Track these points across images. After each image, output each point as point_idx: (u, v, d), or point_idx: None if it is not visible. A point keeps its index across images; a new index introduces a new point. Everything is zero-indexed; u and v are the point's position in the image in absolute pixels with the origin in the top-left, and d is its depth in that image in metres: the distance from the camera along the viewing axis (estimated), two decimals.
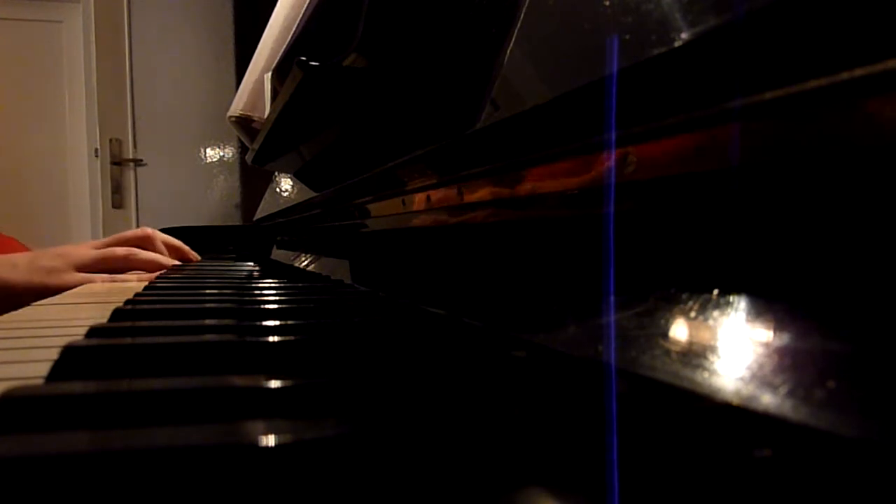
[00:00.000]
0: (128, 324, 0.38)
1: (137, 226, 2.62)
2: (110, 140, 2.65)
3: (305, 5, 0.66)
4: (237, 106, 0.92)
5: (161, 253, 0.92)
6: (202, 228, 1.51)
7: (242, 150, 2.53)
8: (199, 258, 1.07)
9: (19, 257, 0.78)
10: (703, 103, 0.19)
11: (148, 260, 0.86)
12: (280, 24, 0.85)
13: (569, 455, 0.18)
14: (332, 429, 0.17)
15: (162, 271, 0.86)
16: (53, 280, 0.75)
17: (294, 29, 0.66)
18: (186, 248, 1.02)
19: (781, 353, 0.16)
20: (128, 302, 0.45)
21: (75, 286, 0.74)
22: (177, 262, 0.93)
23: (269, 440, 0.16)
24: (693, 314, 0.20)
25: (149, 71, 2.67)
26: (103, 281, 0.78)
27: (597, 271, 0.24)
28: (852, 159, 0.15)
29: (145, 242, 0.89)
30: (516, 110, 0.30)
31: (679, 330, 0.20)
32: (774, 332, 0.17)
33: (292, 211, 1.05)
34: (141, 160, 2.68)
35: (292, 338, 0.30)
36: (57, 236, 2.71)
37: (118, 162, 2.66)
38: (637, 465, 0.17)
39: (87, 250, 0.81)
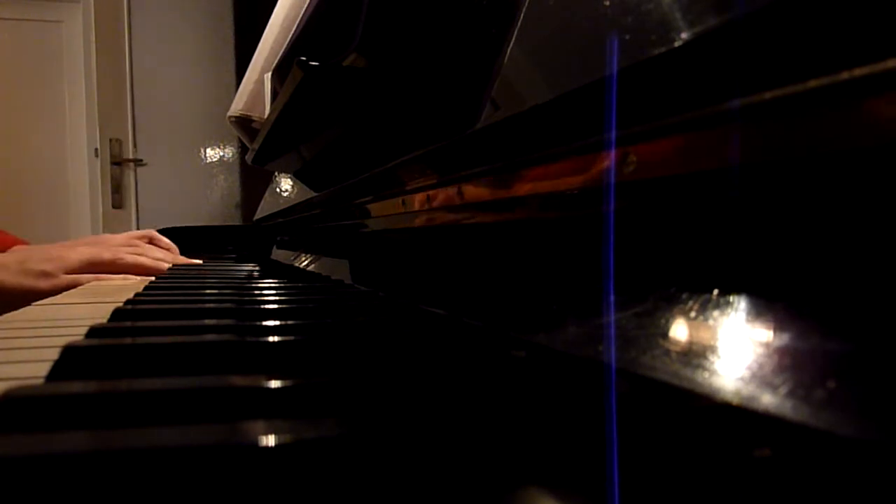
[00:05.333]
0: (128, 324, 0.38)
1: (137, 226, 2.63)
2: (110, 140, 2.64)
3: (305, 5, 0.66)
4: (237, 106, 0.91)
5: (149, 255, 0.93)
6: (202, 228, 1.51)
7: (242, 150, 2.53)
8: (184, 261, 1.06)
9: (8, 258, 0.79)
10: (702, 103, 0.19)
11: (132, 264, 0.88)
12: (280, 24, 0.85)
13: (569, 455, 0.18)
14: (332, 429, 0.17)
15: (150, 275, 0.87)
16: (42, 283, 0.77)
17: (294, 29, 0.66)
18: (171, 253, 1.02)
19: (781, 353, 0.16)
20: (128, 302, 0.45)
21: (64, 289, 0.77)
22: (161, 267, 0.92)
23: (269, 440, 0.16)
24: (693, 314, 0.20)
25: (149, 71, 2.67)
26: (89, 281, 0.80)
27: (597, 271, 0.24)
28: (852, 159, 0.15)
29: (131, 245, 0.92)
30: (516, 110, 0.30)
31: (679, 330, 0.20)
32: (774, 332, 0.17)
33: (292, 211, 1.05)
34: (141, 160, 2.68)
35: (292, 338, 0.30)
36: (57, 236, 2.70)
37: (118, 162, 2.65)
38: (637, 464, 0.17)
39: (75, 254, 0.83)
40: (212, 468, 0.15)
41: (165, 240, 1.06)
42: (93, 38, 2.61)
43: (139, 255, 0.90)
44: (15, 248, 0.91)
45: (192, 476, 0.15)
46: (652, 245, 0.24)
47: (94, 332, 0.33)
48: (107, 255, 0.86)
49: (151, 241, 1.01)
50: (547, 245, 0.32)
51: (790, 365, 0.15)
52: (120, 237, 0.97)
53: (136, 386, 0.22)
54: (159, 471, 0.15)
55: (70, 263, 0.81)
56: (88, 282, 0.80)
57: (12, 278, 0.76)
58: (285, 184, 1.18)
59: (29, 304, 0.77)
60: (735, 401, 0.16)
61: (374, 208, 0.61)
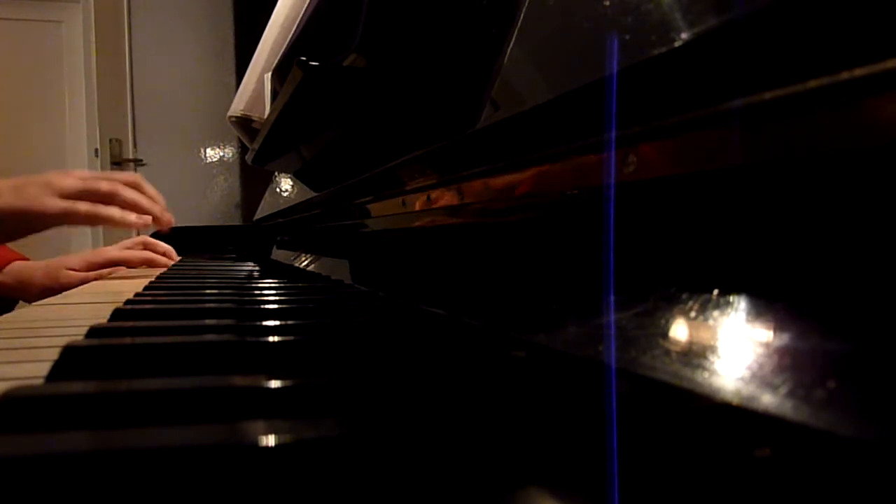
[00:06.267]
0: (128, 324, 0.38)
1: None
2: (110, 140, 2.64)
3: (305, 5, 0.66)
4: (237, 106, 0.92)
5: (149, 198, 0.90)
6: (202, 228, 1.51)
7: (242, 150, 2.53)
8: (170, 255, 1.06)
9: (3, 185, 0.79)
10: (703, 103, 0.19)
11: (130, 200, 0.85)
12: (280, 24, 0.85)
13: (569, 455, 0.18)
14: (332, 429, 0.17)
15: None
16: (36, 205, 0.77)
17: (294, 29, 0.66)
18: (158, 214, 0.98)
19: (781, 353, 0.16)
20: (128, 302, 0.45)
21: (58, 212, 0.77)
22: (156, 210, 0.89)
23: (269, 440, 0.16)
24: (693, 314, 0.20)
25: (149, 71, 2.67)
26: (86, 210, 0.78)
27: (597, 271, 0.24)
28: (852, 159, 0.15)
29: (133, 185, 0.89)
30: (516, 110, 0.30)
31: (679, 330, 0.20)
32: (774, 332, 0.17)
33: (292, 211, 1.05)
34: (141, 160, 2.68)
35: (292, 338, 0.30)
36: (57, 236, 2.71)
37: (118, 162, 2.66)
38: (637, 464, 0.17)
39: (72, 179, 0.82)
40: (212, 468, 0.15)
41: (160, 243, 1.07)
42: (93, 38, 2.61)
43: (137, 196, 0.87)
44: (15, 263, 0.93)
45: (193, 476, 0.15)
46: (652, 245, 0.24)
47: (93, 332, 0.33)
48: (104, 185, 0.83)
49: (146, 246, 1.02)
50: (547, 245, 0.32)
51: (790, 365, 0.15)
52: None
53: (136, 386, 0.22)
54: (159, 471, 0.15)
55: (64, 188, 0.80)
56: (86, 210, 0.78)
57: (6, 201, 0.76)
58: (285, 184, 1.18)
59: (24, 227, 0.78)
60: (735, 401, 0.16)
61: (374, 208, 0.61)
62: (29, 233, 0.81)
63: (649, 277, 0.22)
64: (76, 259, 0.94)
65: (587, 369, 0.22)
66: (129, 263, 1.00)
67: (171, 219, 0.97)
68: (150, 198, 0.91)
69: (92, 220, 0.80)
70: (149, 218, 0.85)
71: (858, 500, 0.13)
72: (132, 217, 0.82)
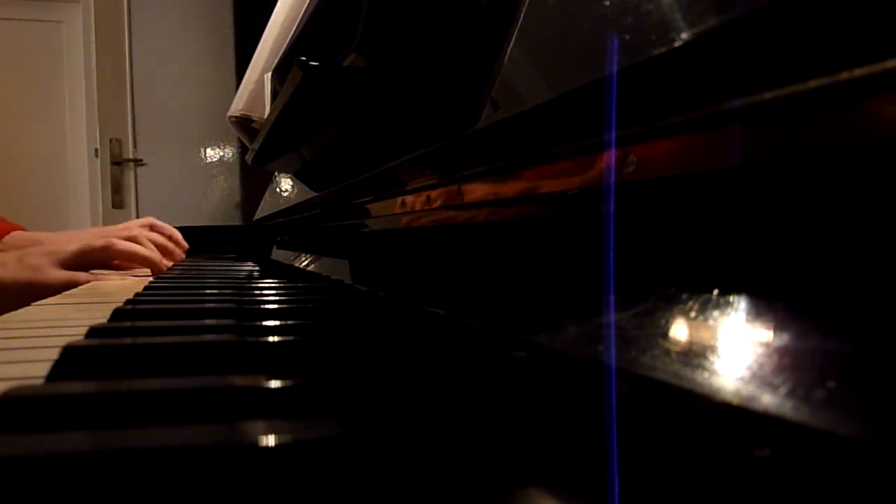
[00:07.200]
0: (128, 324, 0.38)
1: None
2: (110, 140, 2.64)
3: (305, 5, 0.66)
4: (237, 106, 0.91)
5: (145, 243, 0.91)
6: (202, 228, 1.51)
7: (242, 150, 2.53)
8: (181, 256, 1.06)
9: (8, 256, 0.81)
10: (703, 103, 0.19)
11: (125, 250, 0.86)
12: (280, 24, 0.85)
13: (569, 455, 0.18)
14: (332, 429, 0.17)
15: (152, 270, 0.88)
16: (39, 277, 0.78)
17: (294, 29, 0.66)
18: (172, 244, 1.01)
19: (781, 353, 0.16)
20: (128, 302, 0.45)
21: (59, 283, 0.78)
22: (154, 257, 0.90)
23: (269, 440, 0.16)
24: (693, 314, 0.20)
25: (149, 71, 2.67)
26: (87, 279, 0.80)
27: (597, 271, 0.24)
28: (852, 160, 0.15)
29: (130, 238, 0.91)
30: (516, 110, 0.30)
31: (679, 330, 0.20)
32: (774, 332, 0.17)
33: (292, 211, 1.05)
34: (141, 160, 2.68)
35: (292, 338, 0.30)
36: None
37: (118, 162, 2.65)
38: (637, 465, 0.17)
39: (70, 246, 0.84)
40: (212, 468, 0.15)
41: (167, 226, 1.05)
42: (93, 38, 2.61)
43: (133, 241, 0.89)
44: (14, 233, 0.92)
45: (193, 476, 0.15)
46: (652, 245, 0.24)
47: (94, 331, 0.33)
48: (98, 242, 0.85)
49: (152, 228, 1.00)
50: (547, 245, 0.32)
51: (790, 365, 0.15)
52: (119, 226, 0.98)
53: (137, 386, 0.22)
54: (159, 471, 0.15)
55: (65, 256, 0.81)
56: (86, 280, 0.80)
57: (10, 273, 0.77)
58: (285, 184, 1.18)
59: (28, 299, 0.78)
60: (735, 401, 0.16)
61: (374, 208, 0.61)
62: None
63: (649, 277, 0.22)
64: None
65: (587, 369, 0.22)
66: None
67: (180, 256, 1.01)
68: (158, 235, 0.94)
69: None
70: (147, 271, 0.88)
71: (858, 500, 0.13)
72: (133, 273, 0.86)
